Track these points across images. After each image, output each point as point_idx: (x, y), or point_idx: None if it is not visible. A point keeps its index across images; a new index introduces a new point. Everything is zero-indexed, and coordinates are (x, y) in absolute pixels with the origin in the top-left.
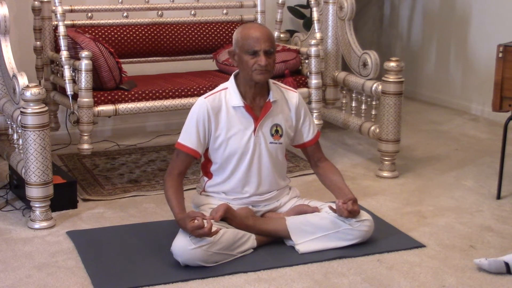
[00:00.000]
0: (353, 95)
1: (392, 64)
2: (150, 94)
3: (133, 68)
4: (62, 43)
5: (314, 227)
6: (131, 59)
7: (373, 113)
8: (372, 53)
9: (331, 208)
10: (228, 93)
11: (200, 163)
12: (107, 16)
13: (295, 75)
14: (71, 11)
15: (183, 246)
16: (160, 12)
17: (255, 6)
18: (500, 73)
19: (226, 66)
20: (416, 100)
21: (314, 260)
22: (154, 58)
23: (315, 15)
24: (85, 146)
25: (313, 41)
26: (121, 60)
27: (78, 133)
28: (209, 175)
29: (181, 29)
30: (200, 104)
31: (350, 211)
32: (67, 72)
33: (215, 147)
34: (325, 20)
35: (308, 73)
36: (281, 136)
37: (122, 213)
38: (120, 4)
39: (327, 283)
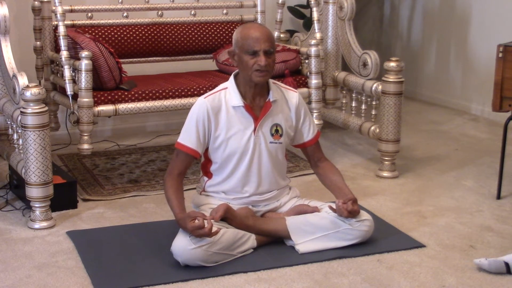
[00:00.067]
0: (353, 95)
1: (392, 64)
2: (150, 94)
3: (133, 68)
4: (62, 43)
5: (314, 227)
6: (131, 59)
7: (373, 113)
8: (372, 53)
9: (331, 208)
10: (228, 93)
11: (200, 163)
12: (107, 16)
13: (295, 75)
14: (71, 11)
15: (183, 246)
16: (160, 12)
17: (255, 6)
18: (500, 73)
19: (226, 66)
20: (416, 100)
21: (314, 260)
22: (154, 58)
23: (315, 15)
24: (85, 146)
25: (313, 41)
26: (121, 60)
27: (78, 133)
28: (209, 175)
29: (181, 29)
30: (200, 104)
31: (350, 211)
32: (67, 72)
33: (215, 147)
34: (325, 20)
35: (308, 73)
36: (281, 136)
37: (122, 213)
38: (120, 4)
39: (327, 283)
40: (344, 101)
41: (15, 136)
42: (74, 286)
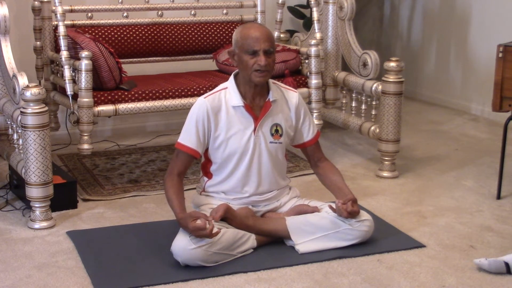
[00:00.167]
0: (353, 95)
1: (392, 64)
2: (150, 94)
3: (133, 68)
4: (62, 43)
5: (314, 227)
6: (131, 59)
7: (373, 113)
8: (372, 53)
9: (331, 207)
10: (228, 93)
11: (200, 163)
12: (107, 16)
13: (295, 75)
14: (71, 11)
15: (183, 246)
16: (160, 12)
17: (255, 6)
18: (500, 73)
19: (226, 66)
20: (416, 100)
21: (314, 260)
22: (154, 58)
23: (315, 15)
24: (85, 146)
25: (313, 41)
26: (121, 60)
27: (78, 133)
28: (209, 175)
29: (181, 29)
30: (200, 104)
31: (350, 212)
32: (67, 72)
33: (215, 147)
34: (325, 20)
35: (308, 73)
36: (281, 135)
37: (122, 213)
38: (120, 4)
39: (327, 283)
40: (344, 101)
41: (15, 136)
42: (74, 286)
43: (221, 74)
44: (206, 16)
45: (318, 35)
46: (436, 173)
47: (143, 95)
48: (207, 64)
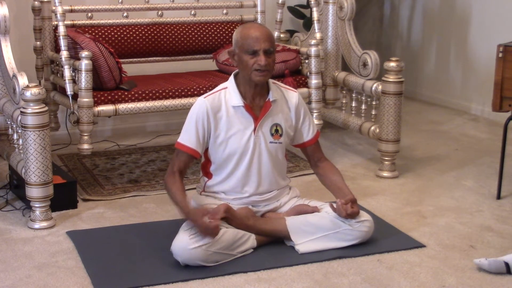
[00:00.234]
0: (353, 95)
1: (392, 64)
2: (150, 94)
3: (133, 68)
4: (62, 43)
5: (314, 227)
6: (131, 59)
7: (373, 113)
8: (372, 53)
9: (331, 206)
10: (228, 93)
11: (200, 163)
12: (107, 16)
13: (295, 75)
14: (71, 11)
15: (183, 246)
16: (160, 12)
17: (255, 6)
18: (500, 73)
19: (226, 66)
20: (416, 100)
21: (314, 260)
22: (154, 58)
23: (315, 15)
24: (85, 146)
25: (313, 41)
26: (121, 60)
27: (78, 133)
28: (209, 175)
29: (181, 29)
30: (200, 104)
31: (350, 213)
32: (67, 72)
33: (215, 147)
34: (325, 20)
35: (308, 73)
36: (281, 135)
37: (122, 213)
38: (120, 4)
39: (327, 283)
40: (344, 101)
41: (15, 136)
42: (74, 286)
43: (221, 74)
44: (206, 16)
45: (318, 35)
46: (436, 173)
47: (143, 95)
48: (207, 64)
